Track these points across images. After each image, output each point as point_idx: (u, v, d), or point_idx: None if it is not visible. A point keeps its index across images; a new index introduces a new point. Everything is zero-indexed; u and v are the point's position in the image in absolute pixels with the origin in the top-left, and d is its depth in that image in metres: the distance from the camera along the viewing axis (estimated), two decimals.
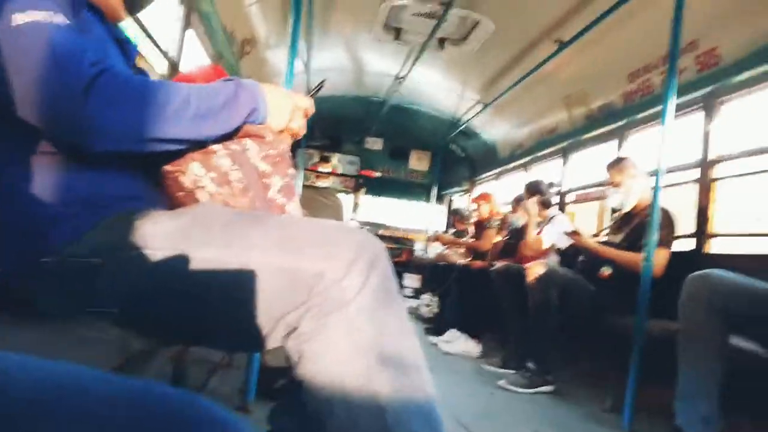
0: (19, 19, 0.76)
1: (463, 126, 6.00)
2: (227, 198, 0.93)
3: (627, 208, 2.87)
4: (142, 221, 0.83)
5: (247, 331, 0.83)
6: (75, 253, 0.80)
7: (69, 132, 0.78)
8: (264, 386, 1.90)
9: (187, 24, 2.77)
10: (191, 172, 0.92)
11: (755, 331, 1.63)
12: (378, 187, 7.64)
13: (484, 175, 6.58)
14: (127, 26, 1.12)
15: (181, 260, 0.79)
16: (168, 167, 0.93)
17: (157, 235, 0.81)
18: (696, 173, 2.86)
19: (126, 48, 1.04)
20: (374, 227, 7.52)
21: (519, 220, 3.84)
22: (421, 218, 7.66)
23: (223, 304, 0.80)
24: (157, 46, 2.46)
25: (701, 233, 2.76)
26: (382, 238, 7.37)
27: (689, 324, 1.69)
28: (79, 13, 0.88)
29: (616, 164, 2.90)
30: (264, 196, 0.95)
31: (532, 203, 3.58)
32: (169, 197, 0.95)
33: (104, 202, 0.86)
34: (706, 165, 2.79)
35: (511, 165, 5.69)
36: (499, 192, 5.83)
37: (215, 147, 0.93)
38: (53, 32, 0.77)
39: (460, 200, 7.52)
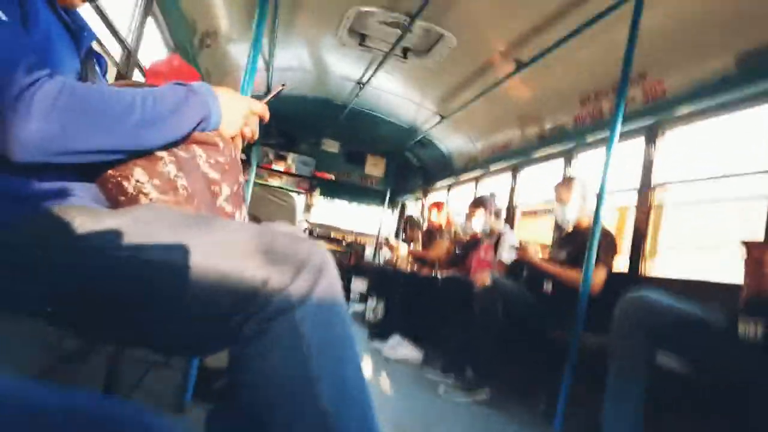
0: None
1: (420, 136, 6.08)
2: (171, 205, 0.90)
3: (569, 226, 3.00)
4: (81, 217, 0.80)
5: (187, 334, 0.82)
6: (6, 245, 0.76)
7: None
8: (202, 387, 1.86)
9: (147, 11, 2.69)
10: (134, 177, 0.89)
11: (680, 349, 1.76)
12: (332, 190, 7.62)
13: (437, 185, 6.68)
14: (83, 11, 1.07)
15: (121, 260, 0.77)
16: (110, 171, 0.90)
17: (96, 232, 0.78)
18: (635, 197, 3.01)
19: (79, 36, 0.99)
20: (326, 229, 7.49)
21: (468, 227, 3.93)
22: (373, 223, 7.69)
23: (162, 306, 0.78)
24: (115, 32, 2.38)
25: (637, 255, 2.90)
26: (333, 240, 7.45)
27: (619, 338, 1.80)
28: (24, 1, 0.82)
29: (566, 183, 3.03)
30: (212, 203, 0.94)
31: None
32: (109, 200, 0.92)
33: (38, 196, 0.82)
34: (645, 190, 2.94)
35: (464, 177, 5.81)
36: (451, 202, 5.94)
37: (161, 153, 0.90)
38: None
39: (414, 207, 7.60)
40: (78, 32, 0.99)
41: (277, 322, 0.75)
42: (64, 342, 0.86)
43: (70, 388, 0.44)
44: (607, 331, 1.87)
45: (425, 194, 7.05)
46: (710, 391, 1.81)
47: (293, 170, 7.40)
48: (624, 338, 1.78)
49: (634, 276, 2.87)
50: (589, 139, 3.55)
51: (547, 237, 3.98)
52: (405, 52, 4.20)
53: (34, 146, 0.73)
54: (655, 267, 2.91)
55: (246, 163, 4.84)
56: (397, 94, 5.39)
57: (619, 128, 2.38)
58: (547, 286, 2.88)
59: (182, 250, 0.77)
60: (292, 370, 0.75)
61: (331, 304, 0.79)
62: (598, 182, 2.43)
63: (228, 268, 0.76)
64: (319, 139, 7.43)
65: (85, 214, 0.81)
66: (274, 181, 7.31)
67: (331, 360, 0.78)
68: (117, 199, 0.91)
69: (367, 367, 0.82)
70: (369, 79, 4.88)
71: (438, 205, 4.98)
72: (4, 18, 0.75)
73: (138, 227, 0.79)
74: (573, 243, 2.94)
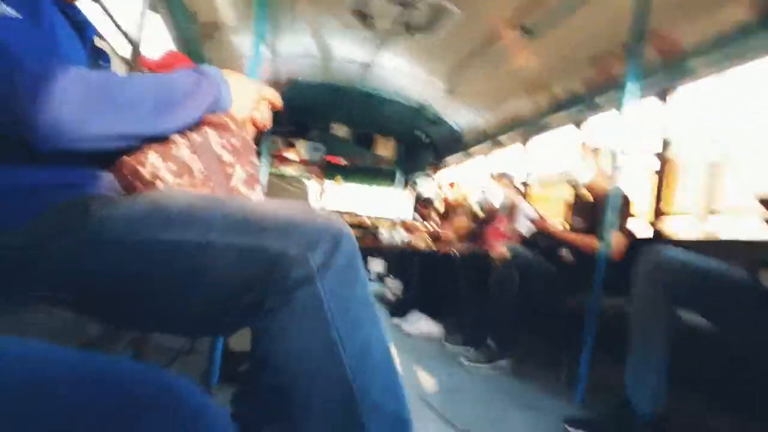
0: None
1: (429, 113, 6.03)
2: (187, 188, 0.92)
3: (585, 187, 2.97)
4: (99, 206, 0.82)
5: (210, 313, 0.83)
6: (26, 236, 0.78)
7: (14, 131, 0.74)
8: (227, 371, 1.90)
9: (150, 5, 2.69)
10: (149, 162, 0.90)
11: (701, 306, 1.72)
12: (344, 174, 7.62)
13: (448, 161, 6.65)
14: (86, 6, 1.08)
15: (140, 244, 0.78)
16: (125, 157, 0.91)
17: (115, 219, 0.80)
18: (652, 157, 2.96)
19: (83, 30, 1.01)
20: (340, 214, 7.49)
21: (483, 200, 3.91)
22: (386, 204, 7.68)
23: (184, 287, 0.80)
24: (118, 26, 2.39)
25: (657, 215, 2.86)
26: (348, 224, 7.44)
27: (640, 299, 1.77)
28: None
29: (593, 149, 3.00)
30: (226, 185, 0.95)
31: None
32: (126, 187, 0.93)
33: (54, 187, 0.83)
34: (662, 149, 2.89)
35: (475, 149, 5.77)
36: (462, 177, 5.91)
37: (175, 137, 0.92)
38: None
39: (426, 184, 7.57)
40: (81, 27, 1.01)
41: (297, 293, 0.76)
42: (88, 328, 0.88)
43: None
44: (627, 294, 1.85)
45: (435, 170, 7.02)
46: (736, 348, 1.78)
47: (304, 157, 7.41)
48: (644, 298, 1.75)
49: (654, 236, 2.84)
50: (601, 101, 3.49)
51: (562, 206, 3.95)
52: (409, 28, 4.15)
53: (50, 134, 0.75)
54: (675, 228, 2.87)
55: (257, 153, 4.85)
56: (403, 73, 5.34)
57: (632, 87, 2.34)
58: (566, 255, 2.86)
59: (200, 230, 0.78)
60: (314, 337, 0.76)
61: (349, 272, 0.80)
62: (612, 145, 2.39)
63: (245, 243, 0.77)
64: (328, 124, 7.40)
65: (101, 202, 0.83)
66: (286, 169, 7.32)
67: (353, 325, 0.79)
68: (134, 185, 0.92)
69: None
70: (374, 59, 4.84)
71: (450, 184, 4.96)
72: (15, 14, 0.77)
73: (155, 211, 0.81)
74: (589, 209, 2.91)
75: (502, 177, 3.81)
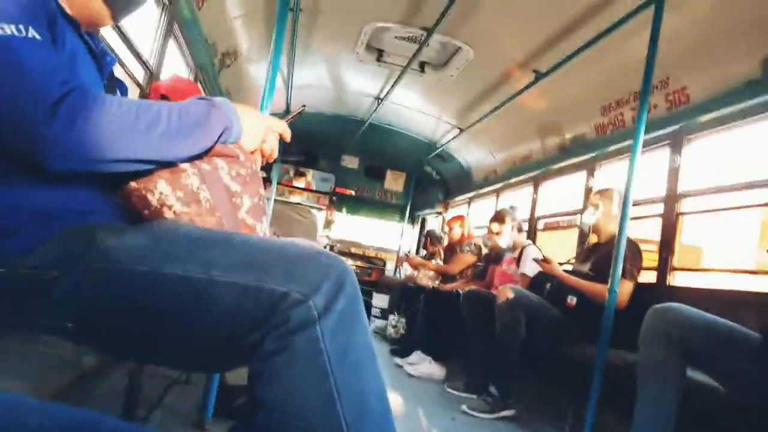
0: None
1: (440, 149, 6.07)
2: (194, 217, 0.92)
3: (593, 237, 2.95)
4: (105, 234, 0.82)
5: (209, 350, 0.82)
6: (32, 264, 0.79)
7: (34, 151, 0.76)
8: (223, 404, 1.86)
9: (168, 33, 2.75)
10: (158, 190, 0.91)
11: (710, 366, 1.67)
12: (352, 205, 7.64)
13: (457, 198, 6.65)
14: (107, 34, 1.10)
15: (143, 275, 0.78)
16: (133, 184, 0.92)
17: (120, 249, 0.80)
18: (661, 207, 2.93)
19: (102, 61, 1.03)
20: (347, 245, 7.49)
21: (490, 240, 3.88)
22: (393, 238, 7.67)
23: (184, 321, 0.79)
24: (137, 54, 2.43)
25: (664, 266, 2.82)
26: (354, 256, 7.45)
27: (648, 355, 1.72)
28: (53, 24, 0.86)
29: (602, 191, 3.00)
30: (233, 215, 0.95)
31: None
32: (133, 214, 0.94)
33: (62, 214, 0.84)
34: (671, 199, 2.87)
35: (484, 190, 5.77)
36: (471, 216, 5.89)
37: (184, 166, 0.92)
38: (23, 48, 0.76)
39: (434, 221, 7.56)
40: (101, 57, 1.03)
41: (297, 336, 0.74)
42: (84, 359, 0.86)
43: (85, 407, 0.43)
44: (635, 346, 1.80)
45: (446, 208, 7.01)
46: (745, 410, 1.72)
47: (313, 187, 7.45)
48: (653, 353, 1.71)
49: (661, 287, 2.79)
50: (612, 149, 3.50)
51: (570, 250, 3.91)
52: (422, 65, 4.21)
53: (67, 154, 0.77)
54: (682, 277, 2.83)
55: (266, 181, 4.88)
56: (415, 108, 5.40)
57: (642, 136, 2.34)
58: (572, 300, 2.81)
59: (203, 266, 0.78)
60: (313, 385, 0.75)
61: (351, 318, 0.79)
62: (622, 192, 2.38)
63: (248, 283, 0.76)
64: (339, 155, 7.47)
65: (107, 230, 0.83)
66: (295, 198, 7.36)
67: (351, 374, 0.77)
68: (141, 212, 0.93)
69: (388, 383, 0.81)
70: (387, 94, 4.91)
71: (457, 219, 4.94)
72: (38, 37, 0.79)
73: (159, 243, 0.81)
74: (597, 255, 2.88)
75: (504, 217, 3.79)
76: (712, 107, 2.66)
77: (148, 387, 1.79)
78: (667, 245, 2.84)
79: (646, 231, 3.17)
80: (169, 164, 0.91)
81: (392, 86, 4.64)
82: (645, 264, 2.72)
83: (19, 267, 0.78)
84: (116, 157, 0.81)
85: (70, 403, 0.52)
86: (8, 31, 0.76)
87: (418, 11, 3.34)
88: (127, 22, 2.26)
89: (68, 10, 0.95)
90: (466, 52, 3.73)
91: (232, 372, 1.93)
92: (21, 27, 0.77)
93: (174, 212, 0.91)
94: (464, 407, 2.76)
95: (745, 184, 2.52)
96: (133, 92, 2.42)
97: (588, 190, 3.71)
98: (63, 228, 0.83)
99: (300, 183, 7.39)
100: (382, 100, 5.14)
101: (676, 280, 2.82)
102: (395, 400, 2.74)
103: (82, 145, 0.77)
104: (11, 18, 0.77)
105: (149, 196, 0.91)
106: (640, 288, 2.66)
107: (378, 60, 4.20)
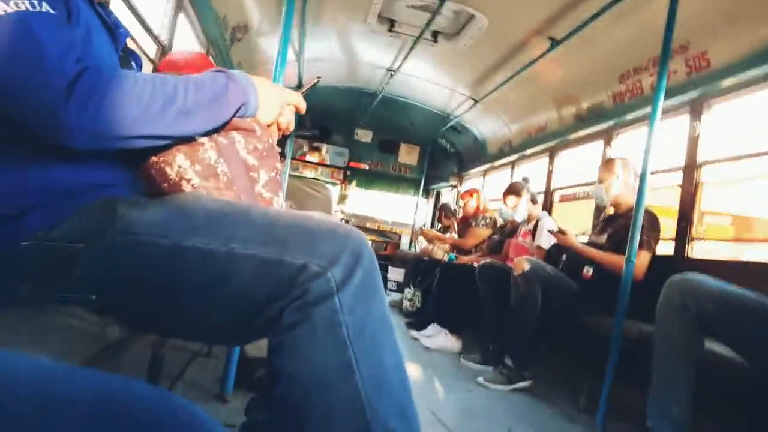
0: (2, 8, 0.74)
1: (453, 121, 6.01)
2: (212, 191, 0.92)
3: (609, 208, 2.92)
4: (126, 207, 0.83)
5: (229, 323, 0.83)
6: (55, 238, 0.80)
7: (50, 129, 0.75)
8: (243, 376, 1.90)
9: (178, 8, 2.73)
10: (176, 163, 0.91)
11: (729, 337, 1.65)
12: (366, 180, 7.63)
13: (471, 171, 6.60)
14: (117, 10, 1.09)
15: (164, 248, 0.79)
16: (153, 158, 0.92)
17: (141, 222, 0.81)
18: (680, 177, 2.88)
19: (115, 33, 1.02)
20: (361, 219, 7.52)
21: (506, 213, 3.85)
22: (408, 212, 7.67)
23: (205, 294, 0.80)
24: (148, 29, 2.42)
25: (684, 237, 2.78)
26: (369, 230, 7.47)
27: (664, 327, 1.70)
28: None
29: (607, 163, 2.95)
30: (250, 189, 0.95)
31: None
32: (153, 187, 0.94)
33: (83, 189, 0.85)
34: (691, 168, 2.82)
35: (499, 162, 5.71)
36: (486, 188, 5.85)
37: (202, 140, 0.92)
38: (37, 24, 0.75)
39: (448, 195, 7.53)
40: (114, 29, 1.02)
41: (316, 308, 0.75)
42: (108, 331, 0.88)
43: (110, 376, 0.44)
44: (652, 318, 1.79)
45: (460, 181, 6.97)
46: (764, 381, 1.70)
47: (327, 161, 7.45)
48: (669, 325, 1.68)
49: (680, 259, 2.76)
50: (630, 116, 3.42)
51: (587, 221, 3.88)
52: (435, 35, 4.13)
53: (84, 133, 0.77)
54: (701, 249, 2.79)
55: (281, 155, 4.88)
56: (428, 80, 5.33)
57: (661, 104, 2.28)
58: (588, 272, 2.79)
59: (223, 239, 0.78)
60: (331, 356, 0.76)
61: (369, 290, 0.79)
62: (640, 162, 2.33)
63: (267, 255, 0.77)
64: (352, 129, 7.44)
65: (129, 204, 0.84)
66: (309, 173, 7.36)
67: (370, 345, 0.78)
68: (160, 185, 0.93)
69: (405, 356, 0.82)
70: (400, 65, 4.84)
71: (472, 193, 4.91)
72: (52, 11, 0.78)
73: (180, 216, 0.82)
74: (614, 226, 2.84)
75: (517, 190, 3.75)
76: (734, 71, 2.57)
77: (170, 360, 1.83)
78: (686, 216, 2.79)
79: (668, 200, 3.11)
80: (187, 139, 0.91)
81: (405, 57, 4.58)
82: (665, 235, 2.69)
83: (43, 241, 0.79)
84: (133, 134, 0.81)
85: None
86: (22, 6, 0.75)
87: None
88: None
89: None
90: (479, 20, 3.65)
91: (252, 344, 1.96)
92: (35, 2, 0.76)
93: (192, 185, 0.92)
94: (480, 379, 2.79)
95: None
96: (146, 67, 2.42)
97: (607, 160, 3.66)
98: (84, 203, 0.83)
99: (314, 157, 7.39)
100: (394, 72, 5.08)
101: (697, 251, 2.78)
102: (412, 373, 2.77)
103: (98, 124, 0.77)
104: None
105: (168, 170, 0.92)
106: (658, 260, 2.63)
107: (390, 30, 4.13)
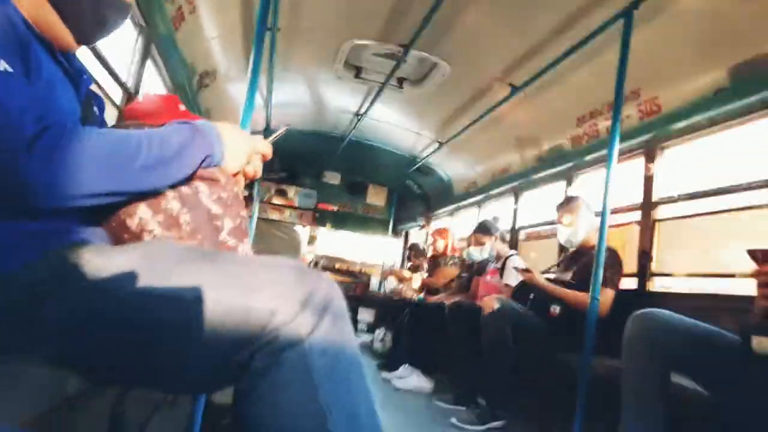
0: None
1: (420, 163, 6.12)
2: (175, 240, 0.91)
3: (574, 246, 2.99)
4: (90, 254, 0.81)
5: (196, 371, 0.81)
6: (21, 281, 0.77)
7: (10, 189, 0.74)
8: (210, 425, 1.83)
9: (146, 55, 2.75)
10: (137, 215, 0.90)
11: (693, 371, 1.69)
12: (335, 221, 7.64)
13: (439, 211, 6.69)
14: (84, 56, 1.09)
15: (130, 295, 0.77)
16: (116, 209, 0.91)
17: (106, 269, 0.79)
18: (638, 215, 2.99)
19: (78, 81, 1.02)
20: (331, 260, 7.48)
21: (474, 254, 3.91)
22: (377, 252, 7.67)
23: (172, 342, 0.78)
24: (115, 75, 2.43)
25: (643, 272, 2.87)
26: (338, 271, 7.42)
27: (632, 362, 1.73)
28: (26, 50, 0.84)
29: (567, 203, 3.03)
30: (215, 237, 0.94)
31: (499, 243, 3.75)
32: (114, 237, 0.93)
33: (50, 233, 0.83)
34: (647, 206, 2.93)
35: (466, 202, 5.82)
36: (454, 228, 5.93)
37: (165, 190, 0.92)
38: None
39: (417, 235, 7.59)
40: (76, 76, 1.01)
41: (285, 354, 0.74)
42: (67, 385, 0.85)
43: None
44: (620, 353, 1.82)
45: (428, 221, 7.05)
46: (730, 414, 1.73)
47: (296, 203, 7.44)
48: (636, 361, 1.71)
49: (641, 293, 2.83)
50: (588, 158, 3.57)
51: (552, 258, 3.96)
52: (400, 81, 4.26)
53: (46, 192, 0.75)
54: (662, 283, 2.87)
55: (249, 199, 4.86)
56: (395, 124, 5.44)
57: (617, 146, 2.39)
58: (555, 310, 2.83)
59: (189, 286, 0.77)
60: (302, 403, 0.74)
61: (339, 335, 0.79)
62: (599, 201, 2.42)
63: (235, 302, 0.76)
64: (320, 171, 7.48)
65: (93, 251, 0.82)
66: (277, 216, 7.33)
67: (341, 391, 0.77)
68: (121, 236, 0.92)
69: (377, 398, 0.80)
70: (367, 110, 4.94)
71: (441, 232, 4.97)
72: (10, 69, 0.77)
73: (146, 263, 0.80)
74: (578, 263, 2.91)
75: (487, 229, 3.83)
76: (683, 116, 2.73)
77: (133, 411, 1.76)
78: (645, 252, 2.89)
79: (627, 239, 3.22)
80: (151, 193, 0.90)
81: (371, 102, 4.68)
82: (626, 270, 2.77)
83: (8, 282, 0.77)
84: (95, 191, 0.80)
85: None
86: None
87: (395, 29, 3.38)
88: (103, 44, 2.26)
89: (36, 29, 0.93)
90: (442, 68, 3.79)
91: (219, 392, 1.91)
92: None
93: (154, 236, 0.91)
94: (453, 420, 2.76)
95: (717, 189, 2.59)
96: (111, 113, 2.41)
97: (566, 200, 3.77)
98: (51, 246, 0.81)
99: (282, 200, 7.38)
100: (361, 116, 5.17)
101: (656, 285, 2.86)
102: (384, 415, 2.70)
103: (60, 182, 0.76)
104: None
105: (128, 221, 0.90)
106: (621, 294, 2.70)
107: (356, 77, 4.24)
